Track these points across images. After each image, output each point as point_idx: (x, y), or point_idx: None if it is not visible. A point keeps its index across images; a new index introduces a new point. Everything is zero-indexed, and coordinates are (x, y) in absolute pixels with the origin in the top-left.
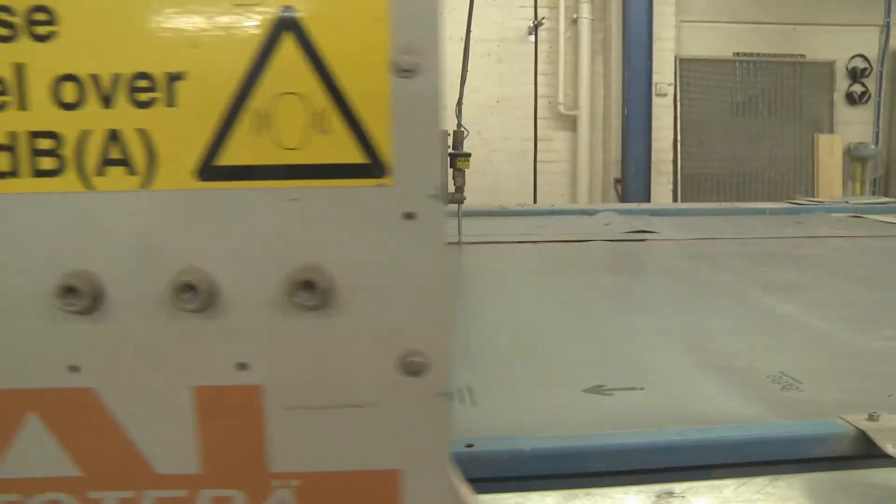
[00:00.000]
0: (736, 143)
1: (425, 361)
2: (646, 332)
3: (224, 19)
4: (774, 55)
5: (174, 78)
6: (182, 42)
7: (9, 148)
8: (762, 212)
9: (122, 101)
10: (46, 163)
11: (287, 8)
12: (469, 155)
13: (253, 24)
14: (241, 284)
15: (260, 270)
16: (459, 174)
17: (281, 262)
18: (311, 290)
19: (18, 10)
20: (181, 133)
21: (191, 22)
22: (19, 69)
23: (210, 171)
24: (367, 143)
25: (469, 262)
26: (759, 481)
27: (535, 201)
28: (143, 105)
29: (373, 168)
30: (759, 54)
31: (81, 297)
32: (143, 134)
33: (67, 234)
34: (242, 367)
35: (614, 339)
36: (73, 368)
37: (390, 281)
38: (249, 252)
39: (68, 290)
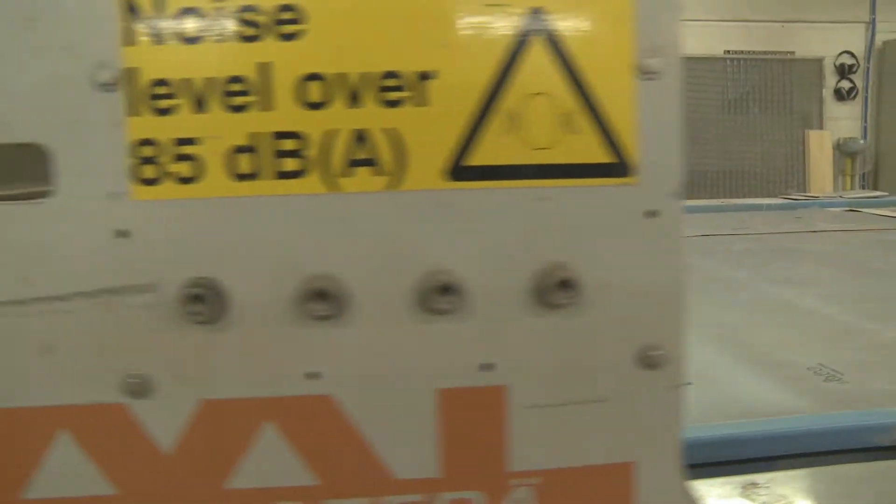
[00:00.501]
0: (728, 139)
1: (664, 354)
2: None
3: (475, 19)
4: (764, 53)
5: (425, 77)
6: (432, 41)
7: (252, 149)
8: (759, 208)
9: (369, 100)
10: (290, 164)
11: (536, 9)
12: None
13: (503, 24)
14: (490, 284)
15: (508, 270)
16: None
17: (529, 261)
18: (564, 289)
19: (265, 9)
20: (431, 132)
21: (441, 20)
22: (264, 69)
23: (460, 171)
24: (614, 144)
25: None
26: (828, 470)
27: None
28: (391, 104)
29: (619, 167)
30: (749, 52)
31: (328, 301)
32: (392, 133)
33: (311, 237)
34: (487, 367)
35: None
36: (312, 375)
37: (632, 277)
38: (498, 252)
39: (315, 295)
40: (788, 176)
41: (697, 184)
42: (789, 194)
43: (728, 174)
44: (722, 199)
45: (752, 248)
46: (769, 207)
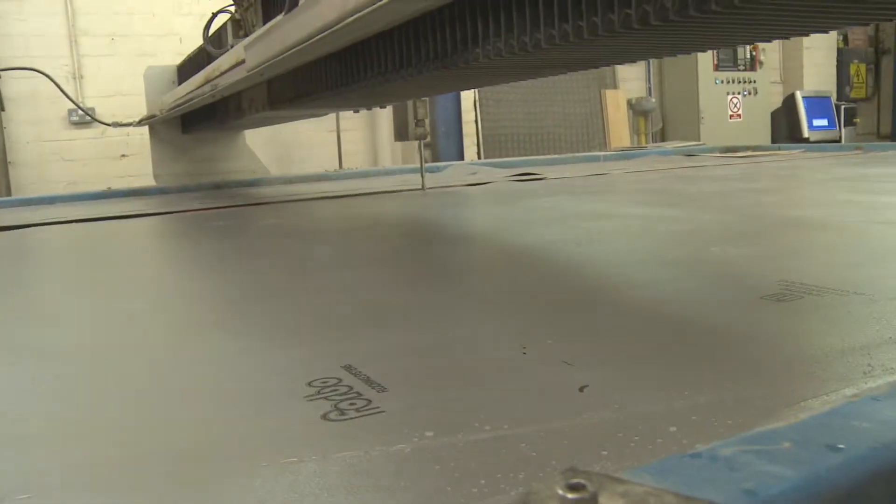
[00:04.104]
0: (530, 101)
1: None
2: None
3: None
4: None
5: None
6: None
7: None
8: (596, 158)
9: None
10: None
11: None
12: None
13: None
14: None
15: None
16: (422, 105)
17: None
18: None
19: None
20: None
21: None
22: None
23: None
24: None
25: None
26: None
27: (340, 166)
28: None
29: None
30: None
31: None
32: None
33: None
34: None
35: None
36: None
37: None
38: None
39: None
40: (590, 135)
41: (505, 146)
42: (603, 150)
43: (532, 135)
44: (558, 154)
45: (655, 178)
46: (606, 158)
